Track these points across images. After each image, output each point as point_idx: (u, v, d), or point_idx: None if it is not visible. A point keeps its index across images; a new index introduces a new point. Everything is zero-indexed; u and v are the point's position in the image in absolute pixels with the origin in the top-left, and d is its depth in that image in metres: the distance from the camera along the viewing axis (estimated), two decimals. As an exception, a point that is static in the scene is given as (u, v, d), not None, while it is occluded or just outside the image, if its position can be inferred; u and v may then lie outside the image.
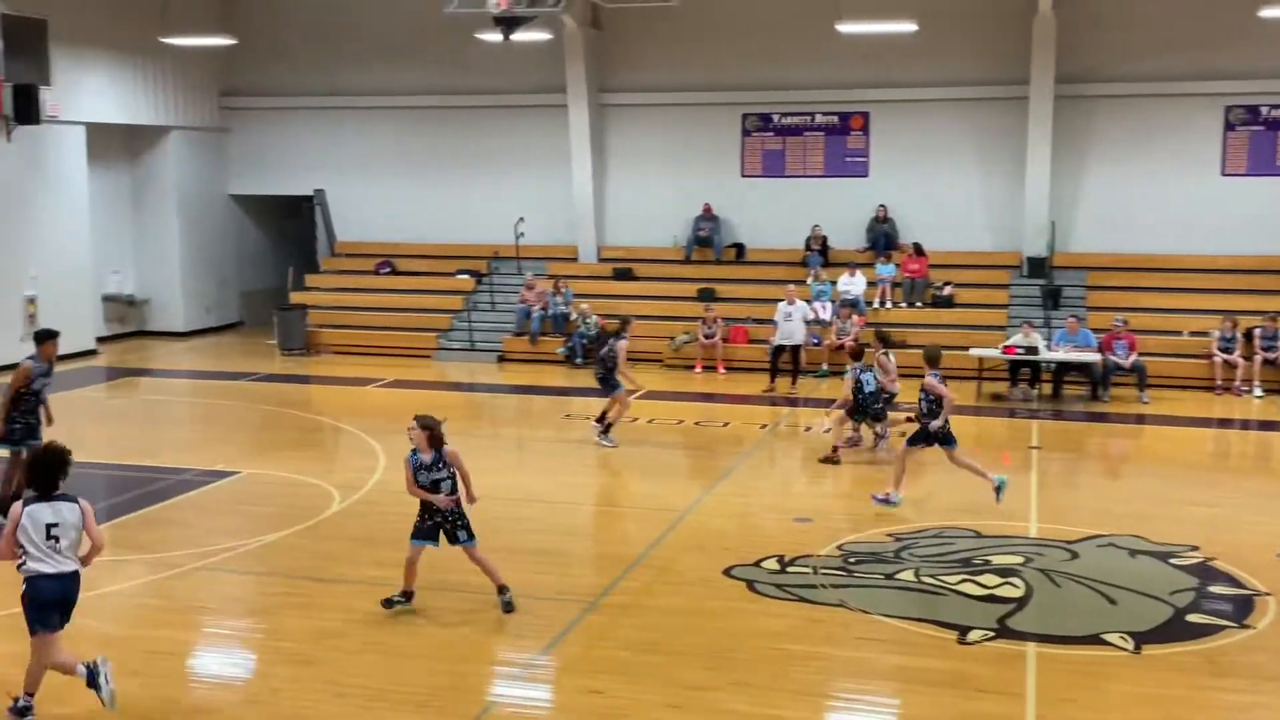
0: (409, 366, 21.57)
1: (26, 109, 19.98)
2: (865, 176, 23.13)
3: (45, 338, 11.82)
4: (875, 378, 14.65)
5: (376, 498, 12.70)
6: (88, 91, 22.18)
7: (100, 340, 23.07)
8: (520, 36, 19.08)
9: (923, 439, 12.31)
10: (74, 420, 14.41)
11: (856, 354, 14.96)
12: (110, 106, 22.84)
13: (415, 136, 25.05)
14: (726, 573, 10.24)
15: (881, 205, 22.67)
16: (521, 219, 23.68)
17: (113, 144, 23.98)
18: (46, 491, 7.29)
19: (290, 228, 27.51)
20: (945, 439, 12.20)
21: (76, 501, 7.35)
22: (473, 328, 22.74)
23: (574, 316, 21.89)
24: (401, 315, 23.46)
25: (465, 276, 24.07)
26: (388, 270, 24.76)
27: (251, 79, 25.74)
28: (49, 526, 7.21)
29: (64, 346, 21.13)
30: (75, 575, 7.36)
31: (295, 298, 24.09)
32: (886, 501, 12.24)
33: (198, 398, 19.06)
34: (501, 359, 22.15)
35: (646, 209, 23.99)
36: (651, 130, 23.97)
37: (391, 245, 25.18)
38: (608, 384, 14.99)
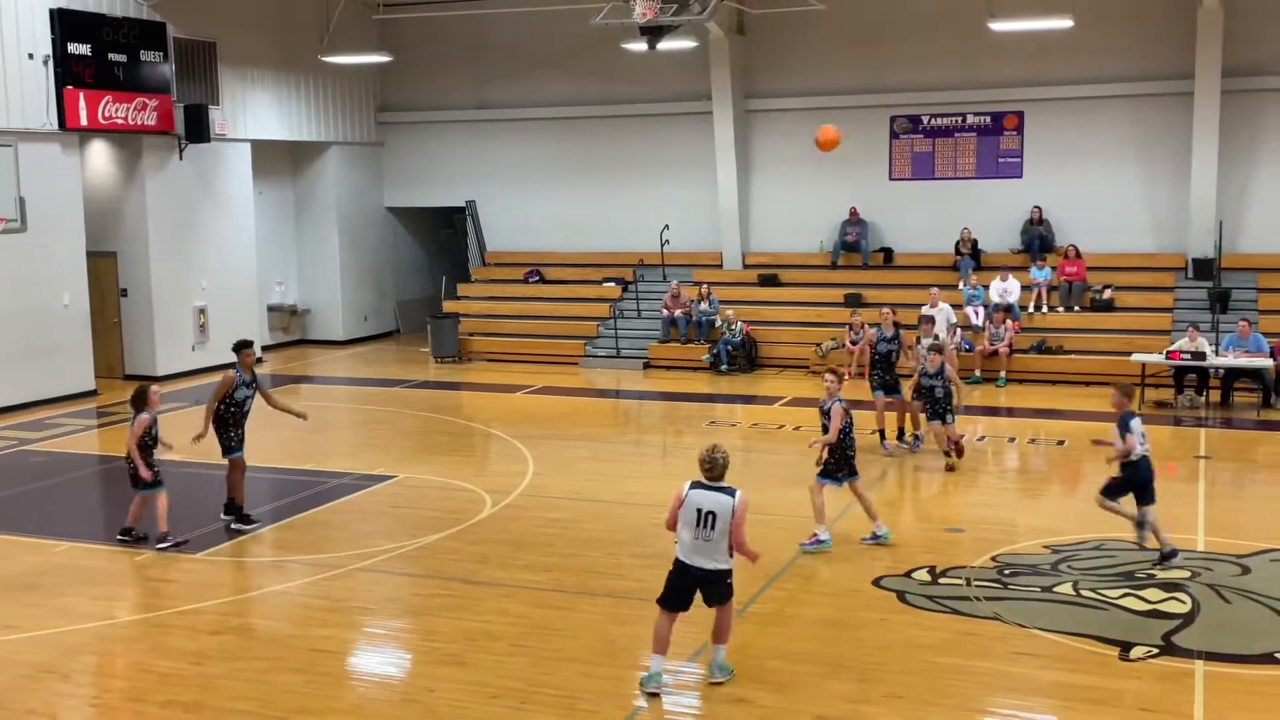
0: (557, 373, 21.88)
1: (197, 128, 21.03)
2: (1019, 177, 22.51)
3: (242, 347, 12.00)
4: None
5: (526, 503, 12.92)
6: (253, 110, 23.19)
7: (265, 349, 24.04)
8: (665, 45, 19.20)
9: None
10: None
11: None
12: (274, 124, 23.82)
13: (562, 147, 25.43)
14: (875, 583, 10.10)
15: (1036, 206, 22.03)
16: (667, 226, 23.79)
17: (276, 160, 25.01)
18: None
19: (443, 238, 28.24)
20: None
21: None
22: (619, 335, 22.94)
23: (719, 323, 21.88)
24: (550, 323, 23.82)
25: (612, 284, 24.31)
26: (536, 279, 25.18)
27: (406, 94, 26.53)
28: None
29: (231, 355, 22.41)
30: None
31: (448, 306, 24.70)
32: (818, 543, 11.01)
33: (356, 404, 19.70)
34: (647, 366, 22.29)
35: (792, 214, 23.83)
36: (797, 135, 23.71)
37: (540, 254, 25.60)
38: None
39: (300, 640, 9.06)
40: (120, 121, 19.69)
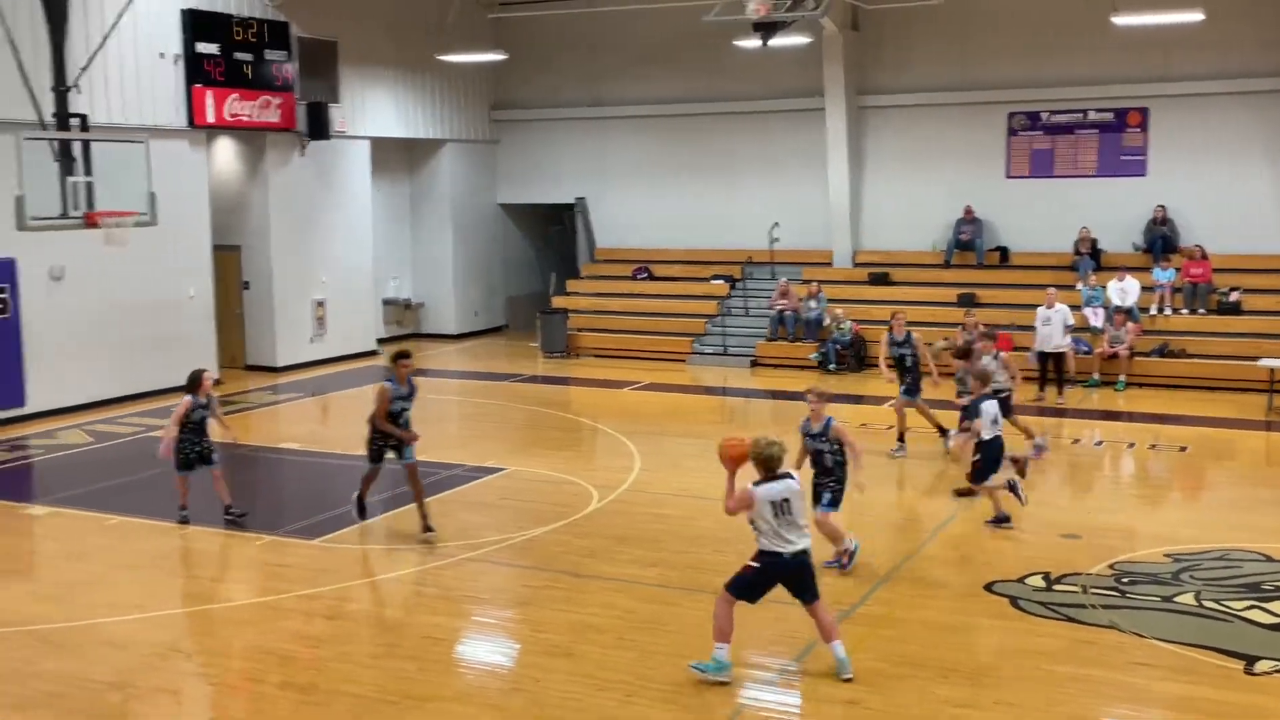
0: (664, 370, 21.92)
1: (318, 125, 21.57)
2: (1142, 176, 21.83)
3: (399, 358, 11.48)
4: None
5: (633, 498, 12.98)
6: (372, 108, 23.70)
7: (380, 341, 24.58)
8: (778, 42, 19.06)
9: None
10: (358, 417, 15.37)
11: (964, 354, 13.81)
12: (391, 121, 24.31)
13: (673, 144, 25.46)
14: (988, 588, 9.91)
15: (1160, 206, 21.34)
16: (776, 224, 23.65)
17: (393, 157, 25.52)
18: None
19: (553, 235, 28.51)
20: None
21: None
22: (726, 332, 22.89)
23: (828, 322, 21.69)
24: (657, 320, 23.88)
25: (720, 282, 24.27)
26: (645, 276, 25.26)
27: (519, 92, 26.84)
28: None
29: (347, 347, 23.03)
30: None
31: (557, 302, 24.93)
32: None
33: (467, 397, 20.01)
34: (754, 364, 22.20)
35: (904, 212, 23.50)
36: (910, 132, 23.46)
37: (649, 251, 25.68)
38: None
39: (412, 627, 9.25)
40: (245, 119, 20.31)
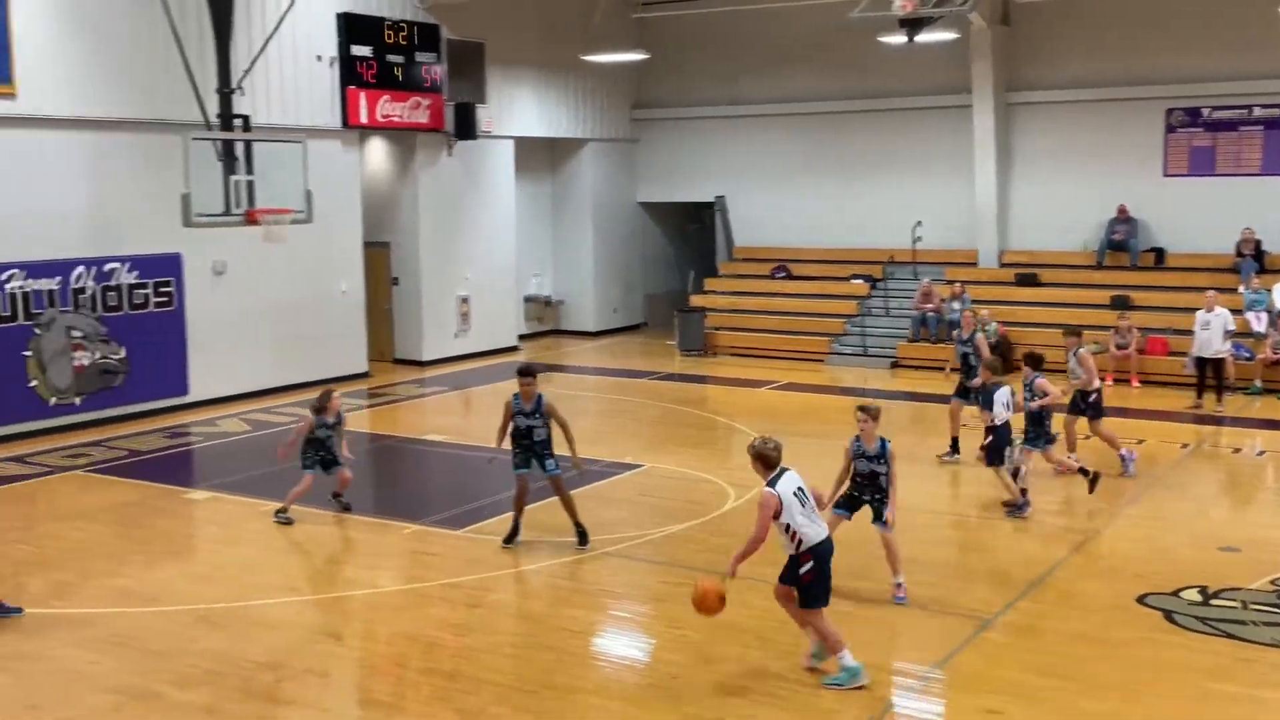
0: (802, 370, 21.76)
1: (465, 125, 22.05)
2: (1312, 174, 20.79)
3: (522, 374, 11.27)
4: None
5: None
6: (517, 108, 24.12)
7: (521, 338, 25.00)
8: (924, 37, 18.73)
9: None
10: (497, 411, 15.65)
11: (1034, 361, 12.80)
12: (535, 121, 24.70)
13: (814, 142, 25.25)
14: (1140, 601, 9.57)
15: (1330, 205, 20.29)
16: (919, 223, 23.25)
17: (536, 156, 25.92)
18: None
19: (692, 233, 28.56)
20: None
21: None
22: (866, 333, 22.60)
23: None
24: (796, 319, 23.71)
25: (860, 281, 23.97)
26: (783, 274, 25.11)
27: (660, 91, 26.97)
28: None
29: (490, 343, 23.48)
30: None
31: (695, 300, 24.97)
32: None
33: (605, 393, 20.20)
34: (895, 365, 21.86)
35: (1054, 211, 22.82)
36: (1061, 129, 22.77)
37: (787, 250, 25.52)
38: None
39: (551, 618, 9.39)
40: (396, 119, 20.89)
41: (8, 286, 15.71)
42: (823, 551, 7.99)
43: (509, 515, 11.82)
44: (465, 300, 23.11)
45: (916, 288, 22.58)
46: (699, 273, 26.10)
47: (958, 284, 22.00)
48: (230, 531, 11.97)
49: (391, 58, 20.68)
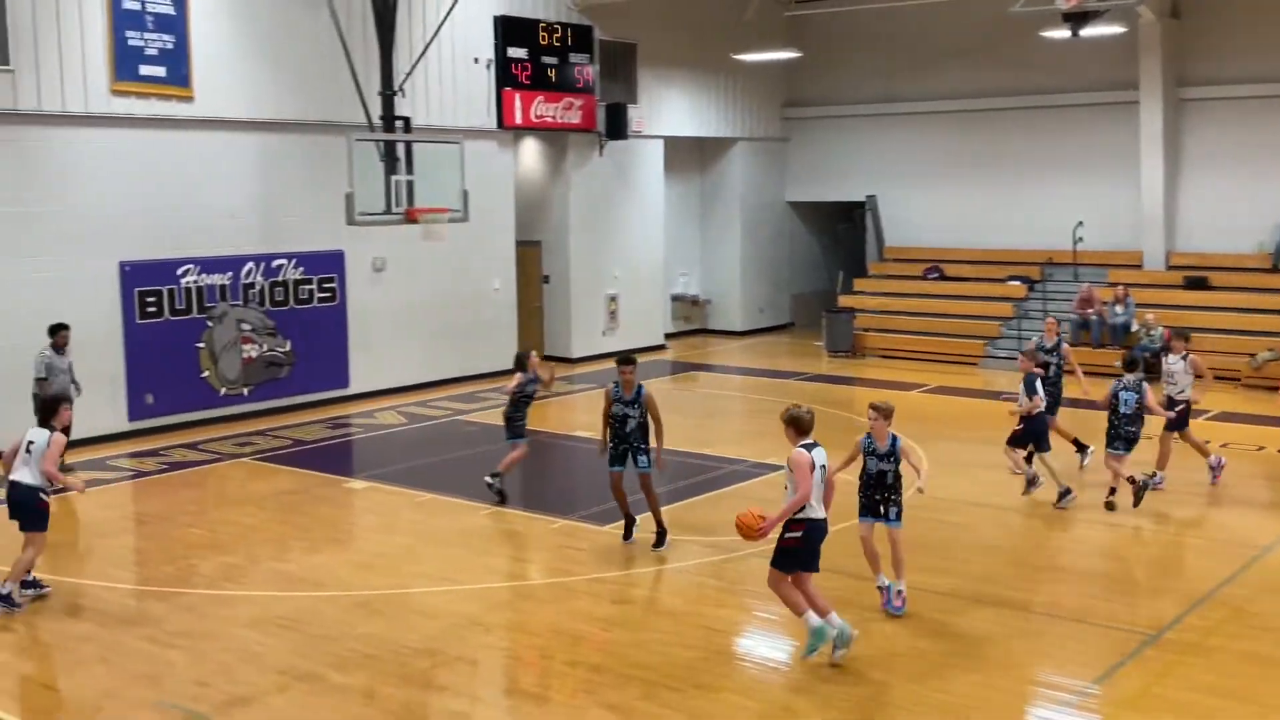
0: (954, 373, 21.29)
1: (616, 126, 22.26)
2: None
3: (623, 362, 11.38)
4: (1136, 399, 12.24)
5: (919, 502, 12.62)
6: (667, 107, 24.23)
7: (668, 336, 25.11)
8: (1089, 32, 18.14)
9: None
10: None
11: (1133, 363, 12.65)
12: (685, 121, 24.77)
13: (969, 140, 24.68)
14: (1318, 622, 9.07)
15: None
16: (1080, 223, 22.50)
17: (685, 155, 25.99)
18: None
19: (841, 233, 28.24)
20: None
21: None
22: (1023, 336, 21.96)
23: (1136, 328, 20.42)
24: (948, 321, 23.22)
25: (1017, 283, 23.33)
26: (936, 275, 24.62)
27: (811, 89, 26.74)
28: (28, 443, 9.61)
29: (637, 340, 23.67)
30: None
31: (843, 301, 24.69)
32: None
33: (750, 393, 20.13)
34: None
35: (1226, 212, 21.80)
36: (1236, 125, 21.74)
37: (940, 250, 25.02)
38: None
39: (696, 617, 9.40)
40: (549, 120, 21.22)
41: (183, 281, 16.52)
42: (814, 528, 8.22)
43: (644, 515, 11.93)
44: (614, 298, 23.33)
45: (1077, 290, 21.85)
46: (848, 273, 25.79)
47: (1121, 287, 21.21)
48: (387, 520, 12.34)
49: (546, 59, 21.02)
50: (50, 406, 10.03)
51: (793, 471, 8.22)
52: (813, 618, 8.24)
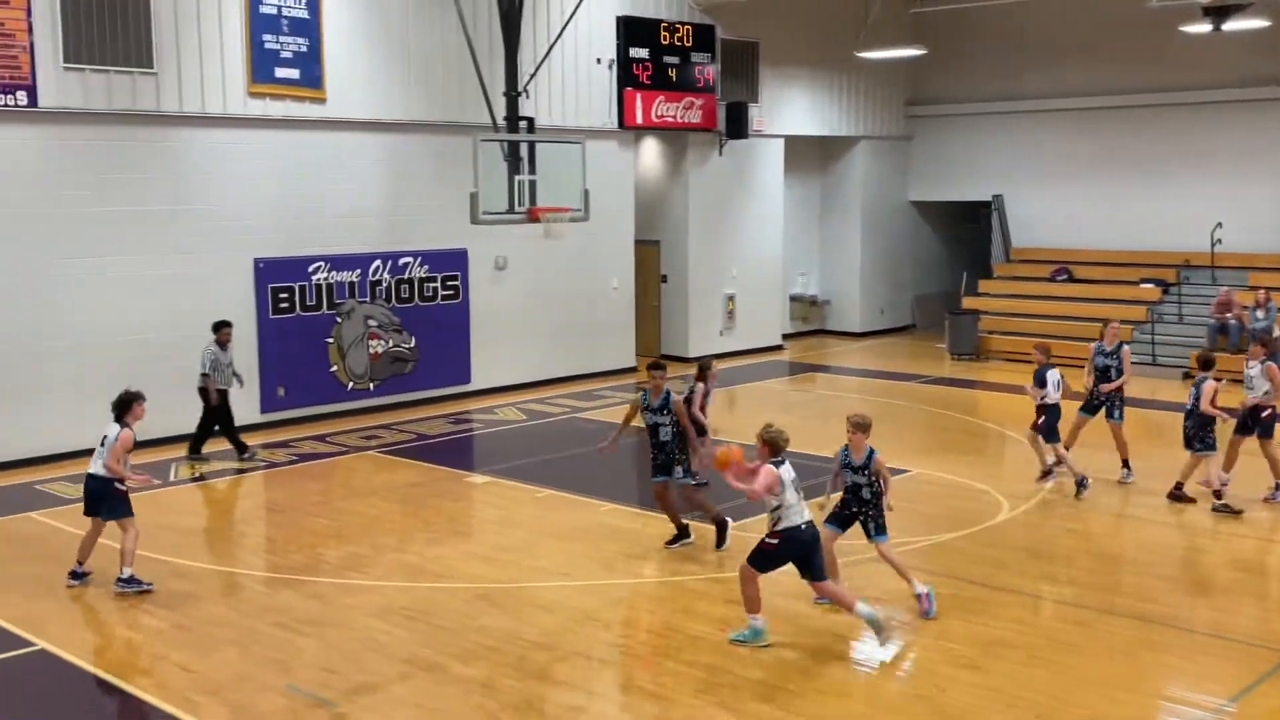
0: (1081, 378, 20.65)
1: (737, 125, 22.20)
2: None
3: (652, 367, 11.48)
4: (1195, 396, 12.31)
5: (1046, 510, 12.39)
6: (788, 107, 24.07)
7: (785, 337, 24.95)
8: (1232, 25, 17.46)
9: None
10: (759, 408, 15.70)
11: (1206, 362, 12.59)
12: (807, 120, 24.57)
13: (1101, 138, 23.98)
14: None
15: None
16: (1219, 224, 21.68)
17: (806, 154, 25.78)
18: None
19: (966, 233, 27.71)
20: None
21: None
22: (1156, 340, 21.26)
23: (1278, 333, 19.59)
24: (1077, 324, 22.55)
25: (1150, 286, 22.58)
26: (1064, 277, 23.98)
27: (936, 87, 26.29)
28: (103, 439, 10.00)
29: (754, 341, 23.57)
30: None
31: (967, 303, 24.21)
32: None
33: (868, 395, 19.87)
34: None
35: (1378, 213, 20.82)
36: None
37: (1070, 251, 24.36)
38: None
39: (814, 620, 9.32)
40: (670, 119, 21.27)
41: (314, 278, 17.00)
42: (792, 538, 8.65)
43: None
44: (731, 298, 23.27)
45: (1215, 293, 21.06)
46: (973, 274, 25.28)
47: (1262, 291, 20.36)
48: (507, 515, 12.53)
49: (667, 59, 21.07)
50: (125, 403, 10.15)
51: (755, 475, 8.74)
52: (758, 620, 8.77)
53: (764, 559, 8.78)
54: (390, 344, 17.96)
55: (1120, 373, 13.59)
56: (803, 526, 8.66)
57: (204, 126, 15.78)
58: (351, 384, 17.58)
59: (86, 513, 10.18)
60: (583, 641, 8.99)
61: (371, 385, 17.80)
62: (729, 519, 11.26)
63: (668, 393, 11.05)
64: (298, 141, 16.70)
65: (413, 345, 18.22)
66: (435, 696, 7.99)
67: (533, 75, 17.45)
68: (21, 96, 14.05)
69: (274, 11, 16.13)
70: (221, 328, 14.68)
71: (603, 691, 8.29)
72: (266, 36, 16.11)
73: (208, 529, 12.38)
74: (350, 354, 17.52)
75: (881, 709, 7.82)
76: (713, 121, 22.01)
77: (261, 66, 16.09)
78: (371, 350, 17.74)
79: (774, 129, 23.71)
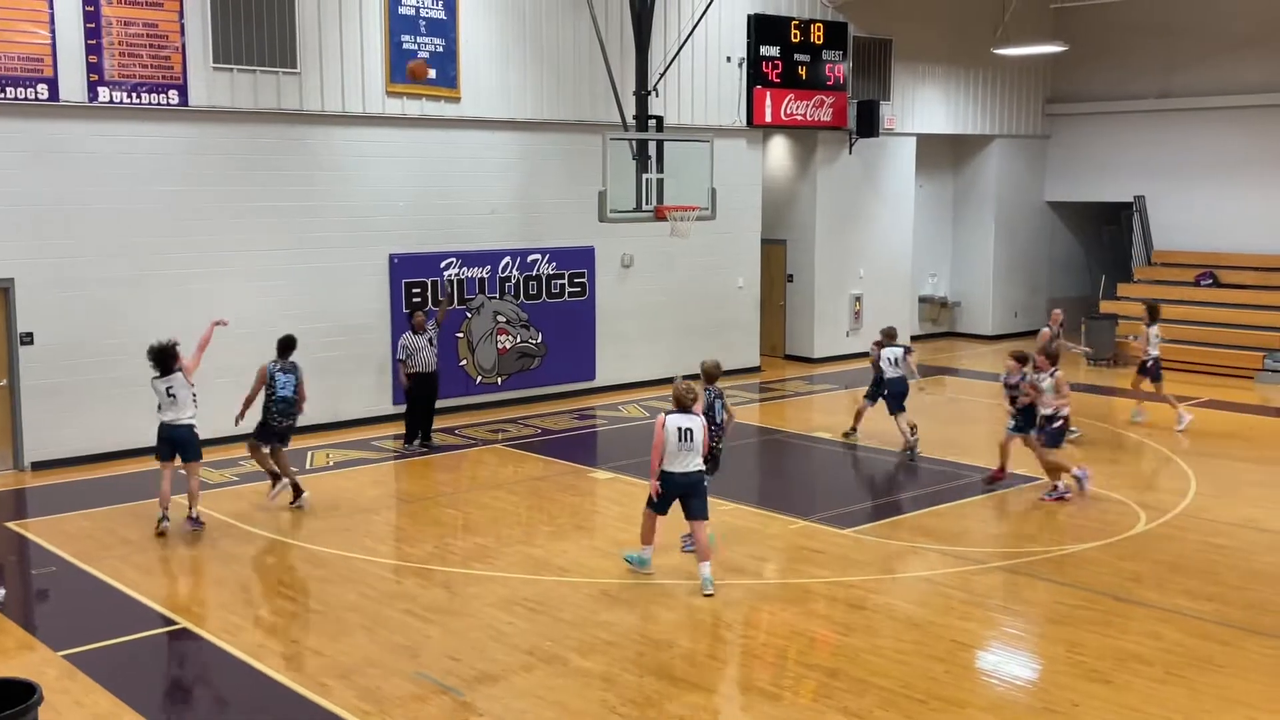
0: (1226, 387, 19.91)
1: (868, 123, 21.90)
2: None
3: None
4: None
5: (1186, 523, 11.93)
6: (921, 104, 23.66)
7: (914, 338, 24.52)
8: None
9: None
10: (887, 412, 15.45)
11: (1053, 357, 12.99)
12: (939, 118, 24.11)
13: (1250, 137, 22.98)
14: None
15: None
16: (1380, 228, 20.59)
17: (938, 153, 25.31)
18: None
19: (1105, 235, 26.86)
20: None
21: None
22: (1307, 349, 20.31)
23: None
24: (1222, 331, 21.71)
25: (1302, 291, 21.58)
26: (1209, 282, 23.05)
27: (1077, 84, 25.53)
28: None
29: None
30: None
31: (1105, 307, 23.47)
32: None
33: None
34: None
35: None
36: None
37: (1216, 255, 23.41)
38: None
39: (941, 628, 9.15)
40: (799, 118, 21.10)
41: (446, 274, 17.34)
42: (665, 481, 10.00)
43: (898, 518, 11.72)
44: (858, 299, 22.98)
45: (1372, 301, 20.03)
46: (1112, 277, 24.48)
47: None
48: (629, 510, 12.57)
49: (798, 56, 20.91)
50: (164, 354, 11.50)
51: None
52: (648, 551, 10.37)
53: (651, 501, 10.18)
54: (518, 340, 18.22)
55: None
56: (678, 475, 9.91)
57: (343, 125, 16.23)
58: (480, 378, 17.89)
59: (166, 459, 11.59)
60: (702, 640, 8.99)
61: (499, 380, 18.09)
62: None
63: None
64: (433, 140, 17.06)
65: (540, 341, 18.45)
66: (557, 688, 8.08)
67: (662, 74, 17.49)
68: (173, 95, 14.67)
69: (412, 13, 16.50)
70: (414, 314, 15.41)
71: (723, 690, 8.27)
72: (404, 36, 16.50)
73: (342, 517, 12.73)
74: (479, 349, 17.83)
75: (1009, 721, 7.64)
76: (843, 120, 21.76)
77: (399, 66, 16.48)
78: (500, 345, 18.02)
79: (906, 127, 23.33)
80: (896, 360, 15.25)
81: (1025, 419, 13.04)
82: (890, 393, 15.18)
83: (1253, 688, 8.01)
